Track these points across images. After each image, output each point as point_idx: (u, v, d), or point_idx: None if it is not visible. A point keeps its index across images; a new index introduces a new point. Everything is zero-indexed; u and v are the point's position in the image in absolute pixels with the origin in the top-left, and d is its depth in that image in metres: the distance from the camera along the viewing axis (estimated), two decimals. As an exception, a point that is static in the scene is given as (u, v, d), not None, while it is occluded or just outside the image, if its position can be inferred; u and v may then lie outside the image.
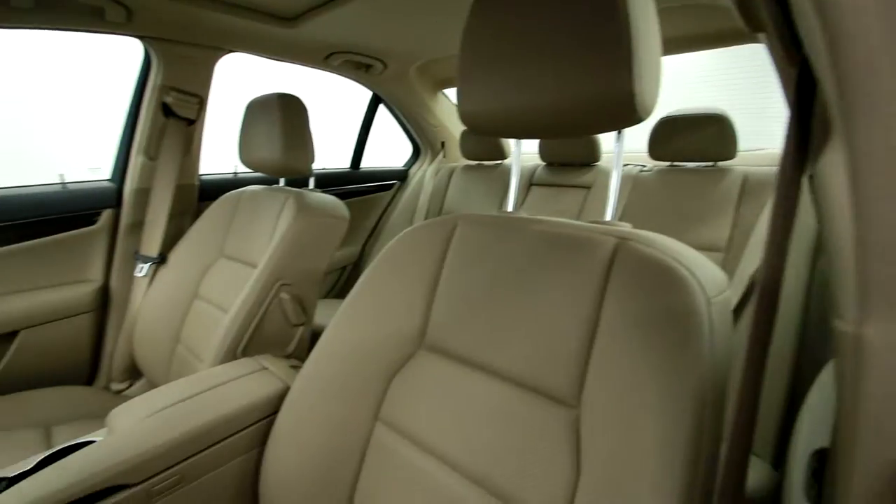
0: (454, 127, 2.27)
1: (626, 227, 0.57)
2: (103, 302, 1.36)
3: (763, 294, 0.35)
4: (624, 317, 0.48)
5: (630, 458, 0.43)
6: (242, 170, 1.65)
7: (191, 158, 1.46)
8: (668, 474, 0.40)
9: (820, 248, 1.06)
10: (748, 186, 1.30)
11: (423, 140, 2.36)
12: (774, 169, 1.24)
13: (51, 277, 1.27)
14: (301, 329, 1.15)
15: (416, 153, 2.44)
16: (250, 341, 1.04)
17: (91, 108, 5.26)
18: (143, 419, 0.67)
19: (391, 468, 0.61)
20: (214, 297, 1.16)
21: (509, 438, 0.53)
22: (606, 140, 1.77)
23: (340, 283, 2.21)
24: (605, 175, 1.68)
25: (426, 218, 2.11)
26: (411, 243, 0.70)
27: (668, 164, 1.50)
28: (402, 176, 2.36)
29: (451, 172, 2.15)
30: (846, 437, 0.31)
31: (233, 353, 1.02)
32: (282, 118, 1.12)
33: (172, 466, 0.63)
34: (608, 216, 0.64)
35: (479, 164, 2.10)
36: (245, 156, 1.21)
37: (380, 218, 2.30)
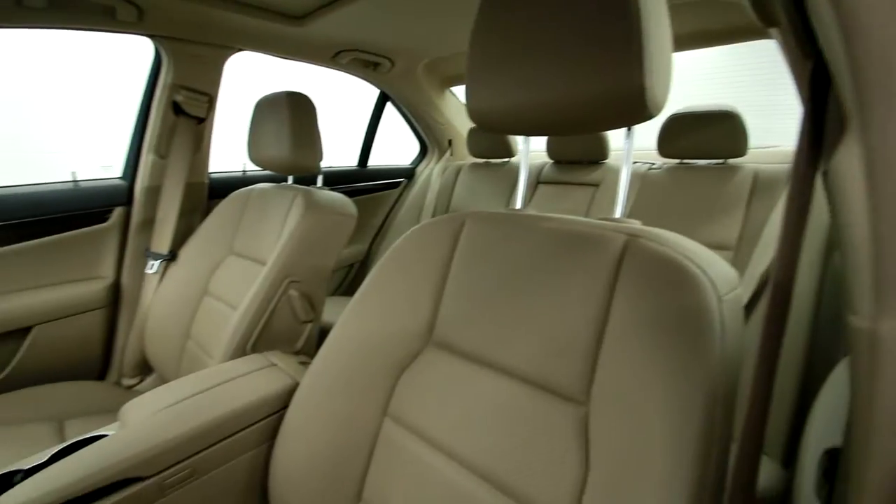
0: (461, 125, 2.27)
1: (635, 225, 0.57)
2: (115, 298, 1.37)
3: (776, 291, 0.35)
4: (634, 314, 0.48)
5: (640, 456, 0.43)
6: (251, 168, 1.66)
7: (200, 156, 1.47)
8: (678, 472, 0.40)
9: (832, 246, 1.05)
10: (759, 184, 1.29)
11: (430, 138, 2.36)
12: (785, 166, 1.23)
13: (63, 274, 1.29)
14: (309, 326, 1.16)
15: (424, 151, 2.44)
16: (259, 338, 1.05)
17: (103, 107, 5.31)
18: (155, 413, 0.68)
19: (399, 464, 0.62)
20: (224, 294, 1.17)
21: (518, 435, 0.53)
22: (614, 138, 1.76)
23: (348, 280, 2.22)
24: (614, 173, 1.67)
25: (433, 216, 2.11)
26: (419, 241, 0.70)
27: (677, 161, 1.49)
28: (409, 174, 2.37)
29: (459, 170, 2.15)
30: (860, 435, 0.30)
31: (242, 349, 1.03)
32: (290, 116, 1.12)
33: (184, 460, 0.64)
34: (617, 213, 0.63)
35: (486, 163, 2.10)
36: (254, 154, 1.22)
37: (387, 216, 2.31)
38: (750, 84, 5.52)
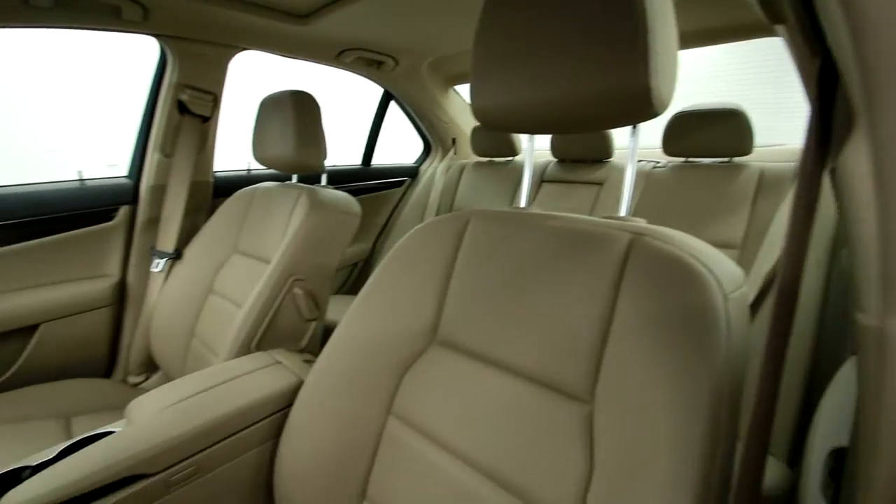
0: (465, 123, 2.27)
1: (640, 223, 0.57)
2: (120, 296, 1.38)
3: (783, 289, 0.35)
4: (639, 312, 0.47)
5: (645, 454, 0.42)
6: (255, 166, 1.67)
7: (205, 155, 1.48)
8: (683, 471, 0.40)
9: (838, 244, 1.04)
10: (764, 183, 1.28)
11: (433, 137, 2.36)
12: (791, 165, 1.23)
13: (70, 272, 1.30)
14: (314, 324, 1.16)
15: (427, 150, 2.44)
16: (264, 336, 1.05)
17: (103, 106, 5.34)
18: (161, 411, 0.68)
19: (404, 461, 0.62)
20: (229, 293, 1.18)
21: (522, 433, 0.53)
22: (618, 136, 1.75)
23: (352, 279, 2.22)
24: (618, 171, 1.66)
25: (437, 215, 2.11)
26: (423, 239, 0.70)
27: (682, 160, 1.48)
28: (412, 173, 2.37)
29: (462, 169, 2.15)
30: (868, 434, 0.30)
31: (247, 347, 1.03)
32: (295, 115, 1.13)
33: (189, 457, 0.65)
34: (622, 212, 0.63)
35: (489, 161, 2.10)
36: (258, 152, 1.22)
37: (391, 214, 2.31)
38: (754, 82, 5.50)
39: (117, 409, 1.08)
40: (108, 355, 1.38)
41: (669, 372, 0.43)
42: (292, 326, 1.12)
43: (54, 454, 0.61)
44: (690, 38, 1.40)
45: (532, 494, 0.50)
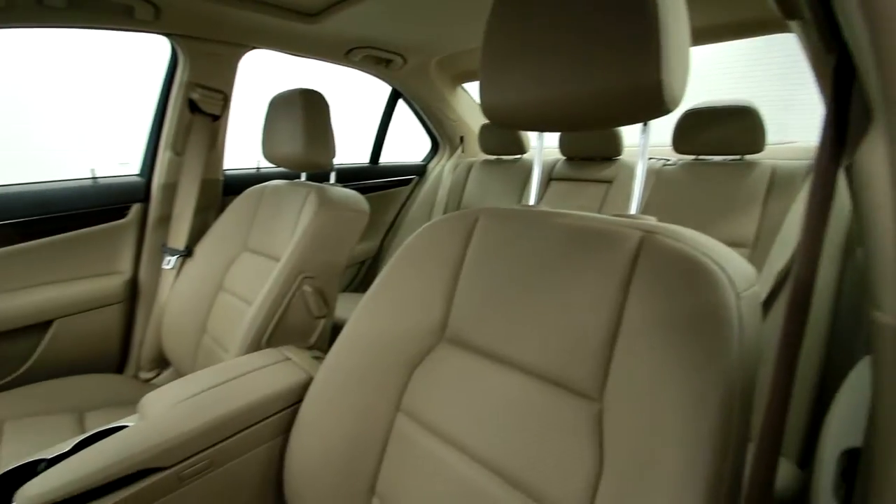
0: (473, 121, 2.26)
1: (651, 221, 0.57)
2: (132, 293, 1.40)
3: (797, 287, 0.35)
4: (649, 310, 0.47)
5: (655, 453, 0.42)
6: (265, 165, 1.68)
7: (215, 153, 1.49)
8: (694, 470, 0.40)
9: (851, 242, 1.03)
10: (776, 180, 1.27)
11: (441, 135, 2.36)
12: (803, 163, 1.21)
13: (83, 269, 1.32)
14: (323, 321, 1.17)
15: (435, 148, 2.44)
16: (274, 333, 1.06)
17: (111, 105, 5.39)
18: (174, 406, 0.69)
19: (412, 458, 0.62)
20: (239, 290, 1.19)
21: (530, 430, 0.53)
22: (627, 134, 1.74)
23: (360, 277, 2.23)
24: (627, 169, 1.65)
25: (444, 213, 2.11)
26: (432, 237, 0.70)
27: (692, 157, 1.47)
28: (420, 171, 2.37)
29: (470, 167, 2.15)
30: (884, 433, 0.30)
31: (257, 343, 1.04)
32: (304, 114, 1.13)
33: (201, 451, 0.65)
34: (633, 209, 0.63)
35: (497, 159, 2.09)
36: (268, 151, 1.23)
37: (398, 212, 2.31)
38: (762, 79, 5.44)
39: (129, 404, 1.10)
40: (120, 351, 1.40)
41: (681, 370, 0.43)
42: (302, 323, 1.12)
43: (69, 447, 0.62)
44: (702, 35, 1.39)
45: (541, 492, 0.50)
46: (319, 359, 0.83)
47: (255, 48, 1.44)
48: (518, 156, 2.03)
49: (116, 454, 0.59)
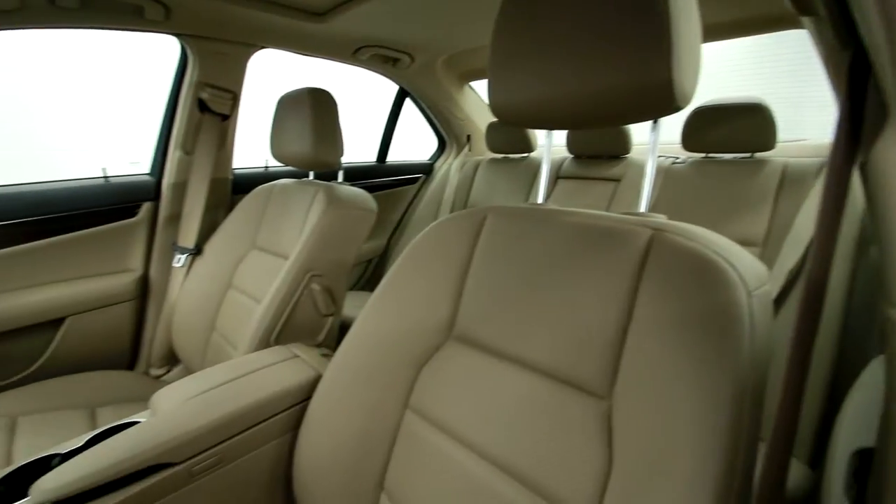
0: (480, 120, 2.26)
1: (660, 219, 0.56)
2: (143, 291, 1.41)
3: (811, 284, 0.34)
4: (660, 309, 0.47)
5: (665, 452, 0.42)
6: (273, 164, 1.69)
7: (225, 153, 1.50)
8: (705, 469, 0.40)
9: (864, 239, 1.02)
10: (787, 178, 1.25)
11: (448, 133, 2.35)
12: (815, 160, 1.20)
13: (94, 267, 1.33)
14: (331, 319, 1.18)
15: (442, 147, 2.44)
16: (282, 330, 1.07)
17: (132, 105, 5.44)
18: (185, 402, 0.70)
19: (420, 455, 0.62)
20: (248, 288, 1.20)
21: (539, 428, 0.53)
22: (636, 132, 1.73)
23: (367, 275, 2.24)
24: (636, 167, 1.64)
25: (451, 211, 2.11)
26: (440, 235, 0.70)
27: (702, 155, 1.46)
28: (427, 169, 2.37)
29: (477, 166, 2.14)
30: (897, 433, 0.30)
31: (266, 341, 1.05)
32: (312, 113, 1.14)
33: (212, 447, 0.66)
34: (642, 207, 0.62)
35: (504, 158, 2.09)
36: (276, 150, 1.24)
37: (405, 211, 2.32)
38: (771, 76, 5.39)
39: (139, 400, 1.11)
40: (130, 348, 1.42)
41: (691, 369, 0.43)
42: (310, 321, 1.13)
43: (83, 443, 0.63)
44: (711, 31, 1.38)
45: (549, 489, 0.50)
46: (327, 356, 0.84)
47: (263, 48, 1.44)
48: (525, 154, 2.03)
49: (129, 450, 0.59)
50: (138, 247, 1.41)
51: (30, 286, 1.22)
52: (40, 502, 0.53)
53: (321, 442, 0.69)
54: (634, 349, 0.48)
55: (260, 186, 1.35)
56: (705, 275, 0.45)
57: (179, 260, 1.38)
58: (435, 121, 2.31)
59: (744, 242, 1.24)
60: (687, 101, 0.49)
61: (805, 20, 0.45)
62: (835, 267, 1.00)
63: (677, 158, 1.51)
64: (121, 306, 1.36)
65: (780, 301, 1.06)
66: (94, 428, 0.85)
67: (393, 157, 2.26)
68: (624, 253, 0.52)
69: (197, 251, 1.38)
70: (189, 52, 1.33)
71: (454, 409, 0.61)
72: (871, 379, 0.47)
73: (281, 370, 0.81)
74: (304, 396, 0.77)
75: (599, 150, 1.76)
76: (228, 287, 1.26)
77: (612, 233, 0.55)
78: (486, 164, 2.11)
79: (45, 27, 1.09)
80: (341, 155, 1.21)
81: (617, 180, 1.66)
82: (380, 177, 2.15)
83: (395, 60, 1.73)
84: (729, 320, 0.42)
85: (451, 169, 2.22)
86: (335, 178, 1.30)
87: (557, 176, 1.86)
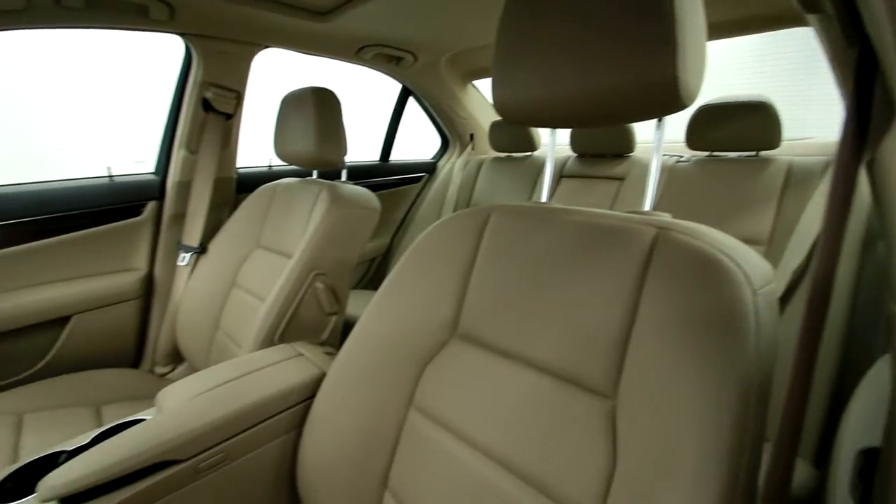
0: (483, 119, 2.26)
1: (665, 217, 0.56)
2: (148, 290, 1.42)
3: (817, 281, 0.34)
4: (665, 307, 0.47)
5: (670, 450, 0.42)
6: (277, 163, 1.69)
7: (229, 152, 1.51)
8: (709, 468, 0.40)
9: (871, 237, 1.01)
10: (792, 177, 1.25)
11: (452, 132, 2.35)
12: (820, 159, 1.19)
13: (100, 266, 1.34)
14: (334, 318, 1.18)
15: (445, 145, 2.44)
16: (286, 329, 1.07)
17: (137, 104, 5.46)
18: (190, 399, 0.70)
19: (424, 453, 0.62)
20: (252, 286, 1.20)
21: (542, 426, 0.53)
22: (640, 130, 1.72)
23: (370, 274, 2.24)
24: (640, 166, 1.63)
25: (454, 210, 2.11)
26: (444, 234, 0.70)
27: (706, 154, 1.45)
28: (430, 168, 2.37)
29: (480, 165, 2.14)
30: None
31: (270, 339, 1.05)
32: (316, 112, 1.14)
33: (218, 444, 0.66)
34: (647, 206, 0.62)
35: (508, 157, 2.09)
36: (280, 149, 1.24)
37: (409, 210, 2.32)
38: (774, 74, 5.36)
39: (144, 398, 1.12)
40: (135, 346, 1.43)
41: (696, 368, 0.43)
42: (314, 320, 1.13)
43: (89, 440, 0.63)
44: (716, 30, 1.37)
45: (553, 488, 0.50)
46: (331, 355, 0.84)
47: (267, 47, 1.45)
48: (528, 153, 2.02)
49: (135, 447, 0.60)
50: (143, 246, 1.41)
51: (36, 285, 1.23)
52: (47, 499, 0.54)
53: (325, 440, 0.69)
54: (639, 348, 0.48)
55: (264, 185, 1.36)
56: (710, 273, 0.45)
57: (184, 259, 1.38)
58: (438, 120, 2.31)
59: (749, 241, 1.24)
60: (692, 100, 0.49)
61: (811, 18, 0.45)
62: (840, 265, 0.99)
63: (682, 157, 1.51)
64: (126, 305, 1.37)
65: (785, 300, 1.06)
66: (99, 425, 0.86)
67: (396, 155, 2.26)
68: (628, 251, 0.52)
69: (201, 250, 1.38)
70: (193, 51, 1.34)
71: (458, 408, 0.61)
72: (877, 378, 0.47)
73: (285, 368, 0.81)
74: (308, 394, 0.77)
75: (603, 149, 1.76)
76: (233, 286, 1.26)
77: (617, 231, 0.54)
78: (490, 162, 2.11)
79: (50, 27, 1.09)
80: (345, 154, 1.21)
81: (621, 179, 1.65)
82: (383, 176, 2.15)
83: (399, 59, 1.73)
84: (734, 319, 0.42)
85: (454, 168, 2.22)
86: (339, 176, 1.30)
87: (561, 175, 1.86)
